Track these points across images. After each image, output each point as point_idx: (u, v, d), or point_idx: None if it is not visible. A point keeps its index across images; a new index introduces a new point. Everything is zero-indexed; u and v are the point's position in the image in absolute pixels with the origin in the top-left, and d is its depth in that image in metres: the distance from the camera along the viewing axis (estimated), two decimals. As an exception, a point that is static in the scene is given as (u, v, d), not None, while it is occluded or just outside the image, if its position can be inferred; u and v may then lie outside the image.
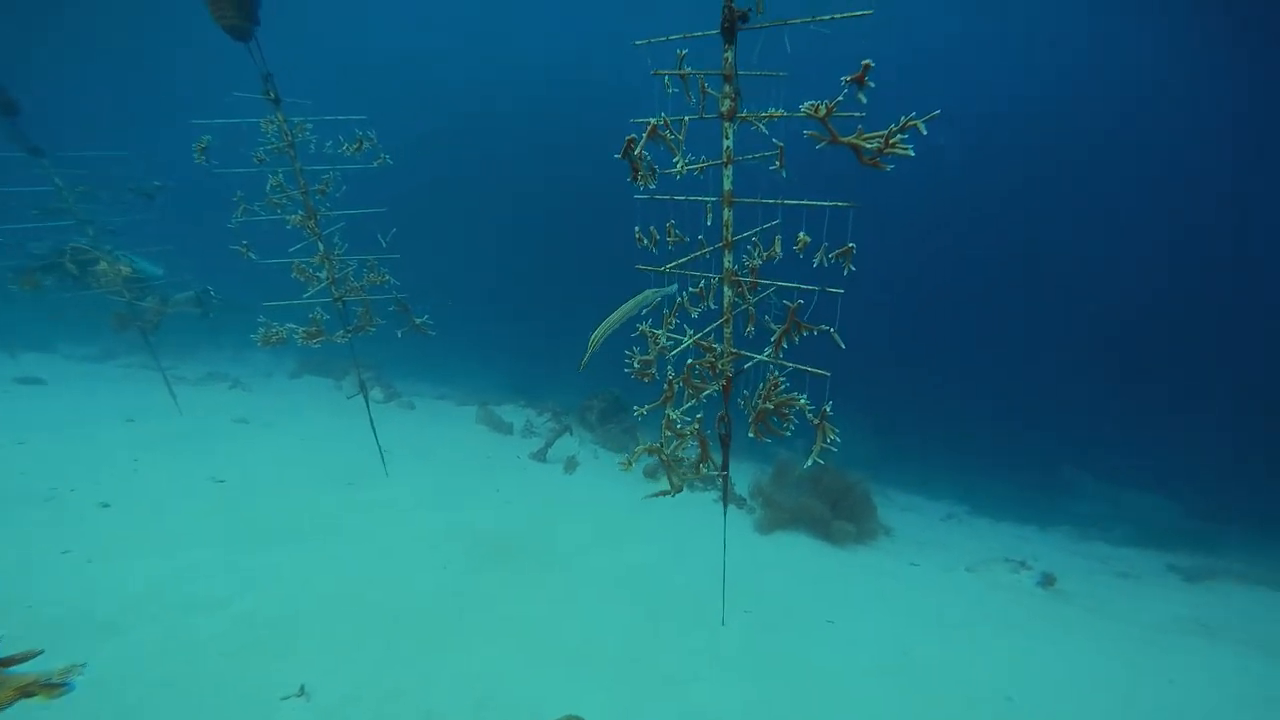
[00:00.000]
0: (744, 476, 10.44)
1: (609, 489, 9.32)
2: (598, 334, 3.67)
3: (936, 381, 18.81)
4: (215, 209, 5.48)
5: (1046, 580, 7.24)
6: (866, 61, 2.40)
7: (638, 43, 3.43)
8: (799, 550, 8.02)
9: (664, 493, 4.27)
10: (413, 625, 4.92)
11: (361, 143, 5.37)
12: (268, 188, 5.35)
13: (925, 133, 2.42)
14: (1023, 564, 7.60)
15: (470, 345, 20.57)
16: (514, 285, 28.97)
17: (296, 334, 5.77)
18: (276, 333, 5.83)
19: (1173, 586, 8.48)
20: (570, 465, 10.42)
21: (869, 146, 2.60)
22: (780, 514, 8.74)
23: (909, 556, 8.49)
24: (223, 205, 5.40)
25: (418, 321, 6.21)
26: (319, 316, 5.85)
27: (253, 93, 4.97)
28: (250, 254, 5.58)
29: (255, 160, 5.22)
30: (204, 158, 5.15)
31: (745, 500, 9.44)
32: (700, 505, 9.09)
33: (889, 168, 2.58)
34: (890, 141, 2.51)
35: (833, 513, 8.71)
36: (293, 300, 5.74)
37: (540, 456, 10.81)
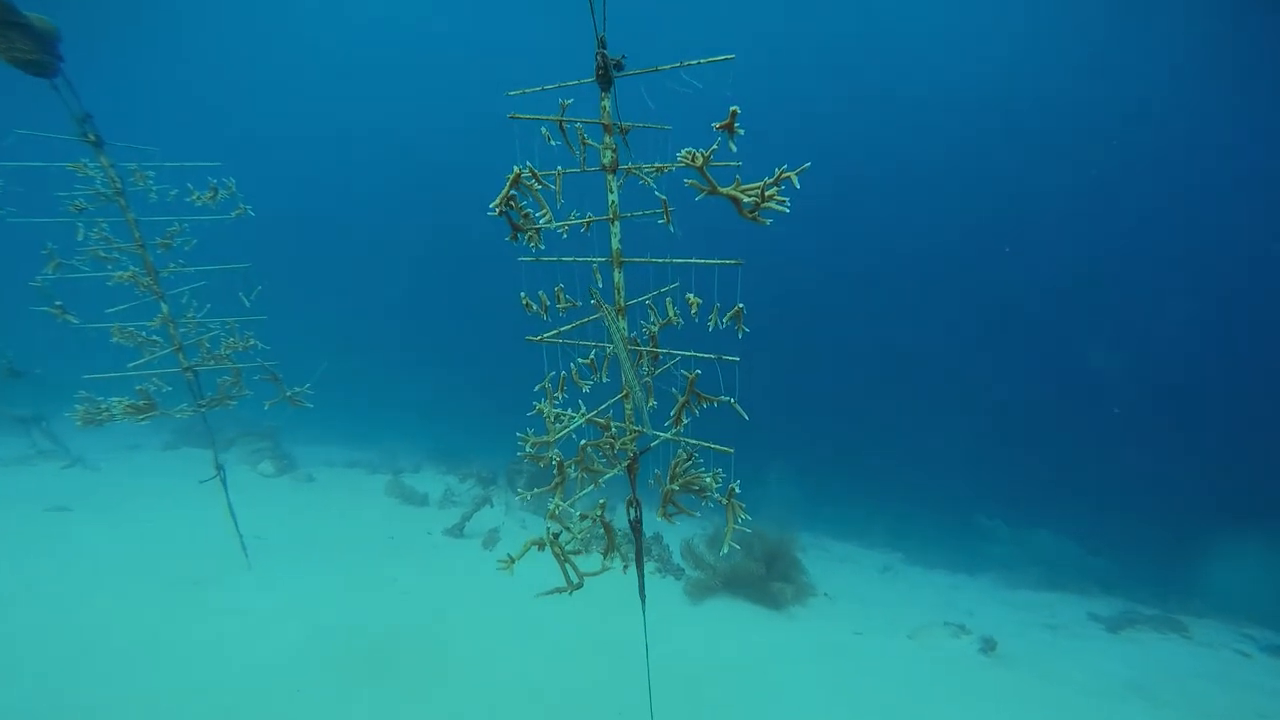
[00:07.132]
0: (675, 537, 9.85)
1: (532, 565, 8.43)
2: (620, 333, 3.18)
3: (863, 432, 19.22)
4: (25, 263, 4.59)
5: (987, 645, 7.06)
6: (733, 108, 2.16)
7: (510, 93, 3.15)
8: (735, 624, 7.40)
9: (559, 590, 3.68)
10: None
11: (216, 191, 4.71)
12: (80, 238, 4.53)
13: (798, 186, 2.18)
14: (962, 628, 7.38)
15: (391, 404, 19.12)
16: (441, 339, 27.74)
17: (116, 409, 4.80)
18: (103, 409, 4.84)
19: (1098, 638, 8.55)
20: (490, 540, 9.46)
21: (747, 199, 2.33)
22: (713, 577, 8.18)
23: (851, 620, 8.05)
24: (34, 259, 4.51)
25: (289, 393, 5.38)
26: (148, 388, 4.91)
27: (67, 134, 4.26)
28: (68, 315, 4.67)
29: (72, 209, 4.43)
30: None
31: (680, 568, 8.81)
32: (630, 578, 8.35)
33: (768, 222, 2.31)
34: (766, 195, 2.24)
35: (768, 573, 8.25)
36: (123, 371, 4.80)
37: (456, 531, 9.78)
